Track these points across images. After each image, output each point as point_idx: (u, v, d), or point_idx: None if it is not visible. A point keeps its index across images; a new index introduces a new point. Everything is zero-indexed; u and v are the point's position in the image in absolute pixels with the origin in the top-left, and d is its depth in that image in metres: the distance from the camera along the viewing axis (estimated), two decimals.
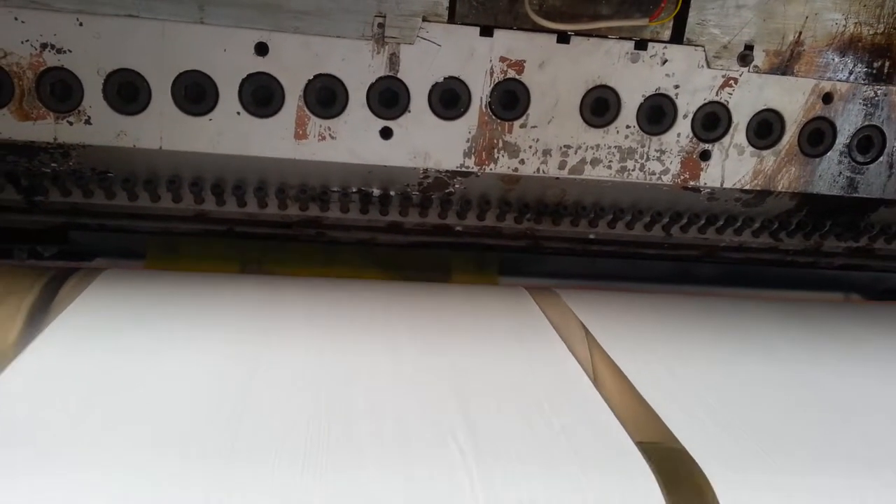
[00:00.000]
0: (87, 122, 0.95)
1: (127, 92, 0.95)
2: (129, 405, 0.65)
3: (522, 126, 1.03)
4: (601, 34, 1.00)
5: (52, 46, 0.92)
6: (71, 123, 0.95)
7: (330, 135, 1.00)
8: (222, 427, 0.62)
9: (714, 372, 0.84)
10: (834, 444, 0.70)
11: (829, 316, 1.08)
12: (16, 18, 0.90)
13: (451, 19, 0.97)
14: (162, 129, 0.97)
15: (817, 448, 0.69)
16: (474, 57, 0.99)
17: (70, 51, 0.92)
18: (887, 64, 1.06)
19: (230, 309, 0.88)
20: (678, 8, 0.99)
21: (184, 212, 1.08)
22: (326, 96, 0.98)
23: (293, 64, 0.96)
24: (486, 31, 0.98)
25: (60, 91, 0.94)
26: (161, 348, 0.77)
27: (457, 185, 1.08)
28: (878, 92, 1.08)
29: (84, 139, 0.96)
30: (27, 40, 0.91)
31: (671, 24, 1.01)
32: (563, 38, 1.00)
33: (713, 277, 1.29)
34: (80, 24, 0.91)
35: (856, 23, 1.04)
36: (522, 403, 0.72)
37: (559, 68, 1.01)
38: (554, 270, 1.22)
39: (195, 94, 0.96)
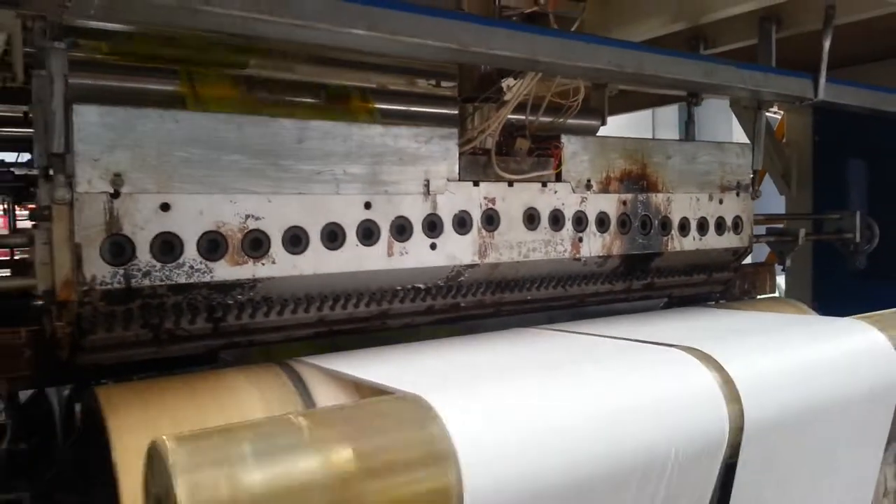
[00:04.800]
0: (273, 262, 1.47)
1: (295, 240, 1.49)
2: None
3: (499, 234, 1.80)
4: (528, 181, 1.84)
5: (253, 216, 1.44)
6: (263, 264, 1.46)
7: (405, 252, 1.65)
8: None
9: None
10: None
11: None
12: (231, 201, 1.42)
13: (460, 179, 1.72)
14: (315, 261, 1.52)
15: None
16: (471, 198, 1.75)
17: (263, 217, 1.46)
18: (645, 183, 2.08)
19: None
20: (559, 167, 1.89)
21: (309, 319, 1.60)
22: (402, 228, 1.64)
23: (384, 212, 1.61)
24: (476, 184, 1.75)
25: (257, 244, 1.45)
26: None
27: (466, 274, 1.78)
28: (645, 197, 2.09)
29: (272, 273, 1.47)
30: (237, 213, 1.43)
31: (556, 174, 1.90)
32: (511, 184, 1.81)
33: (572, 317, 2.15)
34: (270, 201, 1.46)
35: (629, 162, 2.05)
36: None
37: (511, 200, 1.81)
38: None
39: (333, 236, 1.54)
